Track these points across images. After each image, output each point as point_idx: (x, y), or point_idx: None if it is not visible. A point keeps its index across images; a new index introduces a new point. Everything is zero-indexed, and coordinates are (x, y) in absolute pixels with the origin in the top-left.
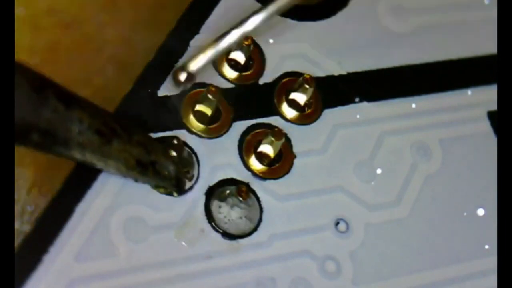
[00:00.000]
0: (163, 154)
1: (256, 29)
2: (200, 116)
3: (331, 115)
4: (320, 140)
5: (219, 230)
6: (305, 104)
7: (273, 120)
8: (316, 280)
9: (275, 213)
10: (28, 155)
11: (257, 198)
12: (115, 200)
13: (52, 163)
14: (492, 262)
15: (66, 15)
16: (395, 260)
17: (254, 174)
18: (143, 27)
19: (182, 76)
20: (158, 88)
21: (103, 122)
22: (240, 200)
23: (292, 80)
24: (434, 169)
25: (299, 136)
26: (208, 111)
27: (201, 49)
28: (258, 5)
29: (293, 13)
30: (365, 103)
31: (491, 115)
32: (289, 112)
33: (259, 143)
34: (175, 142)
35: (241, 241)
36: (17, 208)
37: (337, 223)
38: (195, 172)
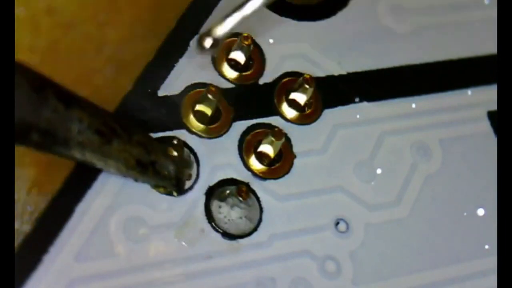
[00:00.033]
0: (163, 154)
1: None
2: (200, 116)
3: (331, 115)
4: (320, 140)
5: (219, 230)
6: (305, 104)
7: (273, 120)
8: (316, 280)
9: (275, 213)
10: (28, 155)
11: (257, 198)
12: (115, 200)
13: (52, 163)
14: (492, 262)
15: (66, 15)
16: (395, 260)
17: (254, 174)
18: (143, 27)
19: (208, 42)
20: (158, 88)
21: (103, 122)
22: (240, 200)
23: (292, 80)
24: (434, 169)
25: (299, 136)
26: (208, 111)
27: (226, 15)
28: None
29: (293, 13)
30: (365, 103)
31: (491, 115)
32: (289, 112)
33: (259, 143)
34: (175, 142)
35: (241, 241)
36: (17, 208)
37: (337, 223)
38: (195, 172)
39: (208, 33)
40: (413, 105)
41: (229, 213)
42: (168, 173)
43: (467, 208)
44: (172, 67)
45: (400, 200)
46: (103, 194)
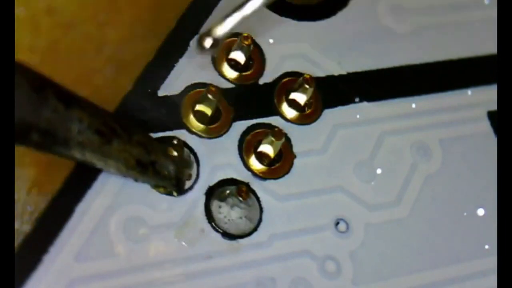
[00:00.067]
0: (163, 154)
1: None
2: (200, 116)
3: (331, 115)
4: (320, 140)
5: (219, 230)
6: (305, 104)
7: (273, 120)
8: (316, 280)
9: (275, 213)
10: (28, 155)
11: (257, 198)
12: (115, 200)
13: (52, 163)
14: (492, 262)
15: (66, 15)
16: (395, 260)
17: (254, 174)
18: (143, 27)
19: (208, 42)
20: (158, 88)
21: (103, 122)
22: (240, 200)
23: (292, 80)
24: (434, 169)
25: (299, 136)
26: (208, 111)
27: (226, 15)
28: None
29: (293, 13)
30: (365, 103)
31: (491, 115)
32: (289, 112)
33: (259, 143)
34: (175, 142)
35: (241, 241)
36: (17, 208)
37: (337, 223)
38: (195, 172)
39: (208, 33)
40: (413, 105)
41: (229, 213)
42: (168, 173)
43: (467, 208)
44: (172, 67)
45: (400, 200)
46: (103, 194)
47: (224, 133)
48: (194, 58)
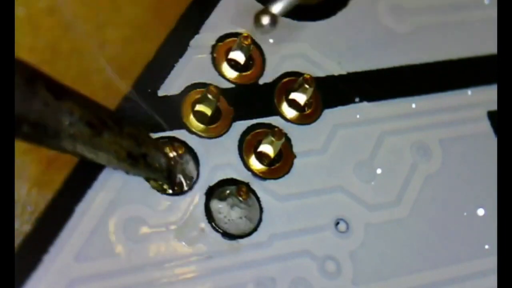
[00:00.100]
0: (154, 146)
1: None
2: (200, 116)
3: (331, 115)
4: (320, 140)
5: (219, 230)
6: (305, 104)
7: (273, 120)
8: (316, 280)
9: (275, 213)
10: (29, 155)
11: (257, 198)
12: (115, 200)
13: (52, 164)
14: (492, 262)
15: (66, 15)
16: (395, 260)
17: (254, 174)
18: (143, 27)
19: (265, 20)
20: (158, 88)
21: (94, 114)
22: (240, 200)
23: (292, 80)
24: (434, 169)
25: (299, 136)
26: (208, 111)
27: None
28: (258, 5)
29: (293, 13)
30: (365, 103)
31: (491, 115)
32: (289, 112)
33: (259, 143)
34: (176, 143)
35: (241, 241)
36: (17, 208)
37: (337, 223)
38: (195, 172)
39: (265, 11)
40: (413, 105)
41: (229, 213)
42: (160, 165)
43: (467, 208)
44: (172, 67)
45: (400, 200)
46: (103, 194)
47: (224, 133)
48: (194, 58)
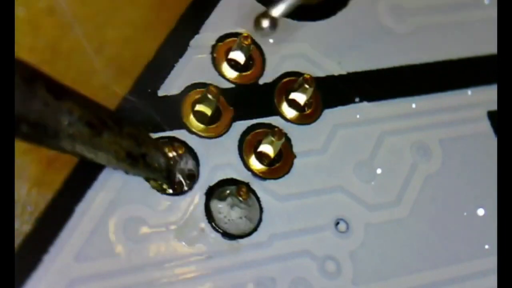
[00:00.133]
0: (153, 146)
1: None
2: (200, 116)
3: (331, 115)
4: (320, 140)
5: (219, 230)
6: (305, 104)
7: (273, 120)
8: (316, 280)
9: (275, 213)
10: (29, 155)
11: (257, 198)
12: (115, 200)
13: (52, 164)
14: (492, 262)
15: (66, 15)
16: (395, 260)
17: (254, 174)
18: (143, 27)
19: (265, 23)
20: (158, 88)
21: (93, 114)
22: (240, 200)
23: (292, 80)
24: (434, 169)
25: (299, 136)
26: (208, 111)
27: None
28: (259, 5)
29: (293, 13)
30: (365, 103)
31: (491, 115)
32: (289, 112)
33: (259, 143)
34: (176, 143)
35: (241, 241)
36: (17, 208)
37: (337, 223)
38: (195, 173)
39: (265, 14)
40: (413, 105)
41: (229, 213)
42: (159, 165)
43: (467, 208)
44: (172, 67)
45: (400, 200)
46: (103, 194)
47: (224, 133)
48: (194, 58)
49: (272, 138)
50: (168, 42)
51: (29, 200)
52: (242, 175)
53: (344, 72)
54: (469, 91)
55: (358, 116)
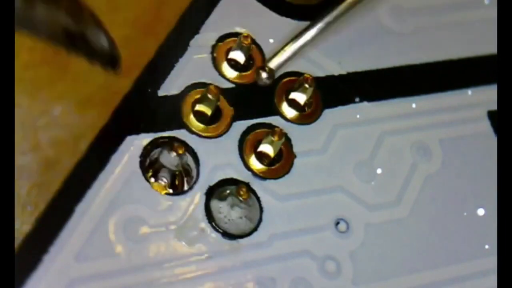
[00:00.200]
0: (95, 23)
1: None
2: (200, 116)
3: (331, 115)
4: (320, 140)
5: (219, 230)
6: (305, 104)
7: (273, 120)
8: (316, 280)
9: (275, 213)
10: (28, 155)
11: (257, 198)
12: (115, 200)
13: (52, 163)
14: (492, 262)
15: None
16: (395, 260)
17: (254, 174)
18: (143, 27)
19: (264, 74)
20: (158, 88)
21: None
22: (240, 200)
23: (292, 80)
24: (434, 169)
25: (299, 136)
26: (208, 111)
27: (281, 48)
28: (259, 5)
29: (293, 13)
30: (365, 103)
31: (491, 115)
32: (289, 112)
33: (259, 143)
34: (176, 143)
35: (241, 241)
36: (17, 208)
37: (337, 223)
38: (195, 172)
39: (263, 67)
40: (413, 105)
41: (229, 213)
42: (101, 46)
43: (467, 208)
44: (172, 67)
45: (400, 200)
46: (103, 194)
47: (224, 133)
48: (194, 58)
49: (272, 138)
50: (168, 42)
51: (29, 200)
52: (242, 175)
53: (344, 72)
54: (469, 91)
55: (358, 116)
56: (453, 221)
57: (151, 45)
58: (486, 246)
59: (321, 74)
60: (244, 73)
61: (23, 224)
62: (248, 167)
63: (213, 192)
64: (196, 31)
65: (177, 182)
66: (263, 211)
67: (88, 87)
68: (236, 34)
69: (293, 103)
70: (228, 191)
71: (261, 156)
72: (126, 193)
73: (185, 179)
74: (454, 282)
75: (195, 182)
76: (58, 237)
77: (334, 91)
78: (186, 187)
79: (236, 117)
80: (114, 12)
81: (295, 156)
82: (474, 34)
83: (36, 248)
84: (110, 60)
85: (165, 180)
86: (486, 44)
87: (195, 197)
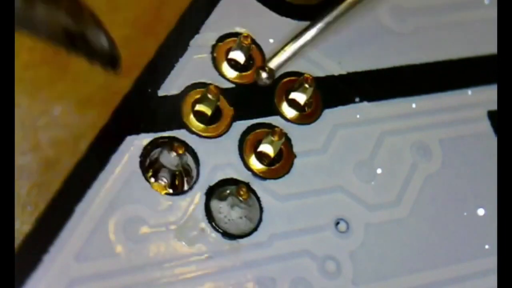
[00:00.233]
0: (95, 23)
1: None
2: (200, 116)
3: (331, 115)
4: (320, 140)
5: (219, 230)
6: (305, 104)
7: (273, 120)
8: (316, 280)
9: (275, 213)
10: (28, 155)
11: (257, 198)
12: (115, 200)
13: (52, 163)
14: (492, 262)
15: None
16: (395, 260)
17: (254, 174)
18: (143, 27)
19: (264, 74)
20: (158, 88)
21: None
22: (240, 200)
23: (292, 80)
24: (434, 169)
25: (299, 136)
26: (208, 111)
27: (281, 48)
28: (259, 5)
29: (293, 13)
30: (365, 103)
31: (491, 115)
32: (289, 112)
33: (259, 143)
34: (176, 143)
35: (241, 241)
36: (17, 208)
37: (337, 223)
38: (195, 172)
39: (263, 67)
40: (413, 105)
41: (229, 213)
42: (101, 46)
43: (467, 208)
44: (172, 67)
45: (400, 200)
46: (103, 194)
47: (224, 133)
48: (194, 58)
49: (272, 138)
50: (168, 42)
51: (29, 200)
52: (242, 175)
53: (344, 72)
54: (469, 91)
55: (358, 116)
56: (453, 221)
57: (151, 45)
58: (486, 246)
59: (321, 74)
60: (244, 73)
61: (23, 224)
62: (248, 167)
63: (213, 192)
64: (196, 31)
65: (177, 182)
66: (263, 211)
67: (88, 87)
68: (236, 34)
69: (293, 103)
70: (228, 191)
71: (261, 156)
72: (126, 193)
73: (185, 179)
74: (454, 282)
75: (195, 182)
76: (58, 237)
77: (334, 91)
78: (186, 187)
79: (236, 117)
80: (114, 12)
81: (295, 156)
82: (474, 34)
83: (36, 248)
84: (110, 60)
85: (165, 180)
86: (486, 44)
87: (195, 197)
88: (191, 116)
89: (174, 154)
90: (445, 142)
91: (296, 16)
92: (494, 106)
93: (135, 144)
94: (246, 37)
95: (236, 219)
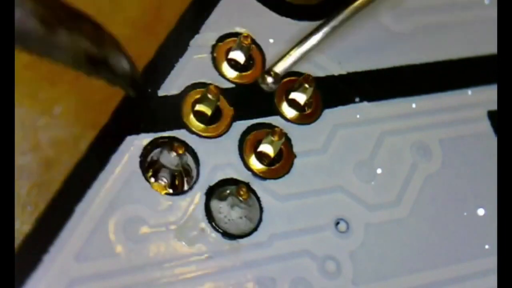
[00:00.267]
0: (116, 47)
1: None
2: (200, 116)
3: (331, 115)
4: (320, 140)
5: (219, 230)
6: (305, 103)
7: (273, 120)
8: (316, 280)
9: (275, 213)
10: (29, 155)
11: (257, 198)
12: (115, 200)
13: (52, 163)
14: (492, 262)
15: None
16: (395, 260)
17: (254, 174)
18: (143, 27)
19: (270, 79)
20: (158, 88)
21: (48, 9)
22: (240, 200)
23: (292, 80)
24: (434, 169)
25: (299, 136)
26: (208, 111)
27: (286, 51)
28: (259, 5)
29: (293, 13)
30: (365, 103)
31: (491, 115)
32: (289, 112)
33: (259, 143)
34: (176, 143)
35: (241, 241)
36: (17, 208)
37: (337, 223)
38: (195, 172)
39: (269, 71)
40: (413, 105)
41: (229, 213)
42: (122, 70)
43: (467, 208)
44: (172, 67)
45: (400, 200)
46: (103, 194)
47: (224, 133)
48: (194, 58)
49: (272, 138)
50: (168, 42)
51: (29, 200)
52: (242, 175)
53: (344, 72)
54: (469, 91)
55: (358, 116)
56: (453, 221)
57: (151, 45)
58: (486, 246)
59: (321, 74)
60: (244, 73)
61: (23, 224)
62: (248, 167)
63: (213, 192)
64: (196, 31)
65: (177, 182)
66: (263, 211)
67: (88, 87)
68: (236, 34)
69: (293, 103)
70: (228, 191)
71: (261, 156)
72: (126, 193)
73: (185, 179)
74: (454, 282)
75: (195, 182)
76: (58, 237)
77: (334, 91)
78: (186, 187)
79: (236, 117)
80: (114, 12)
81: (295, 156)
82: (474, 34)
83: (36, 248)
84: (131, 83)
85: (165, 180)
86: (486, 44)
87: (195, 197)
88: (191, 116)
89: (174, 154)
90: (445, 142)
91: (296, 16)
92: (494, 106)
93: (135, 144)
94: (246, 37)
95: (236, 219)
